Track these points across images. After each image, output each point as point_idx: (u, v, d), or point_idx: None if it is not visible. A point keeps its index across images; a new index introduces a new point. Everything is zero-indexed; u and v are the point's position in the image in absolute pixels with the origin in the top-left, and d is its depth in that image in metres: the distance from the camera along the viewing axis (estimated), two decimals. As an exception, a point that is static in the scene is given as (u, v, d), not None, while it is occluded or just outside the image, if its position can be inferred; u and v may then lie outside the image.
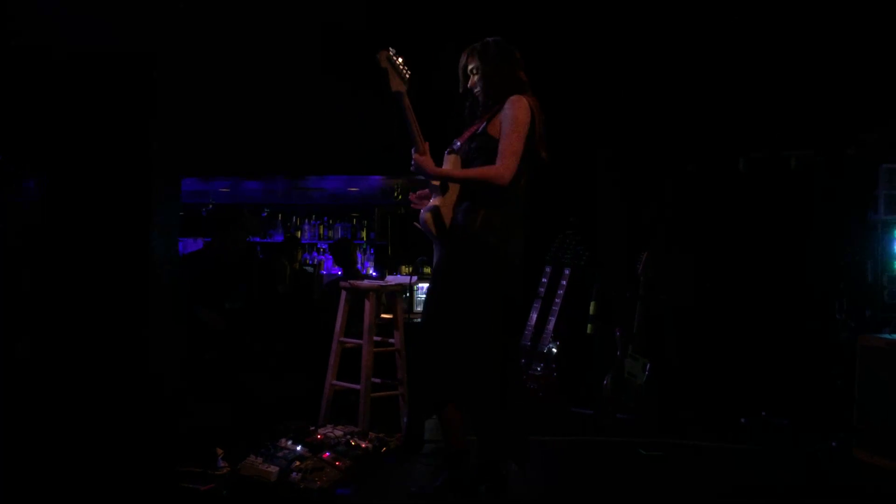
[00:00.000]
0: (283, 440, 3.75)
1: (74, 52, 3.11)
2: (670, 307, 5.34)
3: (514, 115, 3.02)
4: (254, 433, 3.96)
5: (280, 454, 3.59)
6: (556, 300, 5.20)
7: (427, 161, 3.09)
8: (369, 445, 3.90)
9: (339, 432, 4.03)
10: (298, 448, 3.68)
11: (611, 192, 5.76)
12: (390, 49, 3.00)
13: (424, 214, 3.15)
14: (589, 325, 5.32)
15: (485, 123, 3.12)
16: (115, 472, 3.13)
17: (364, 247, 7.84)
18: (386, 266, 7.31)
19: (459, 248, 3.12)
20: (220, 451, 3.58)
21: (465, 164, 3.15)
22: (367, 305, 4.37)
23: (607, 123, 5.69)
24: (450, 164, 3.17)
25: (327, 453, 3.67)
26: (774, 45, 5.17)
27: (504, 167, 2.98)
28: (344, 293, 4.56)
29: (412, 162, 3.11)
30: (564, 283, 5.23)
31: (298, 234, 7.92)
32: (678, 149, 5.53)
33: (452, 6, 5.34)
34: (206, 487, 3.34)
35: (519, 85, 3.16)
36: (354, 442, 3.88)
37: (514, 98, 3.07)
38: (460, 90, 3.28)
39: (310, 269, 7.08)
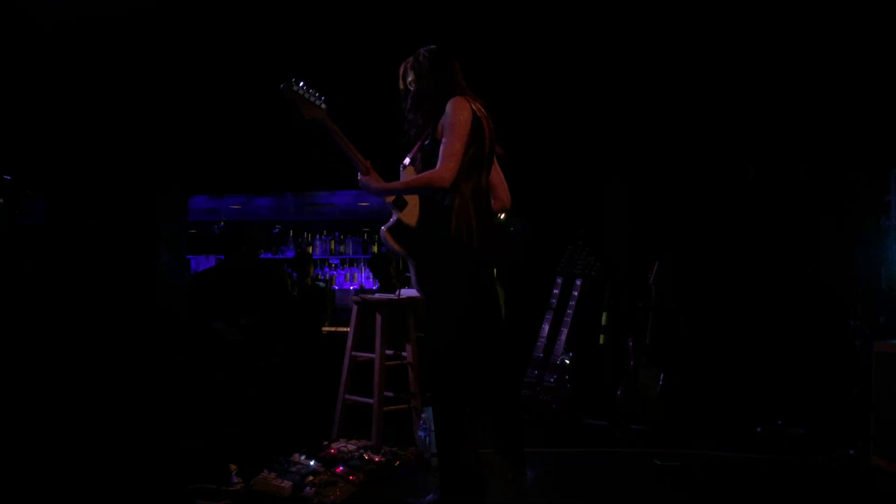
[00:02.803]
0: (297, 455, 3.75)
1: (84, 75, 3.15)
2: (682, 316, 5.32)
3: (453, 115, 3.04)
4: (267, 448, 3.96)
5: (293, 469, 3.59)
6: (568, 311, 5.19)
7: (371, 179, 3.16)
8: (383, 459, 3.89)
9: (352, 446, 4.03)
10: (312, 463, 3.68)
11: (620, 201, 5.76)
12: (293, 80, 3.02)
13: (384, 232, 3.21)
14: (601, 336, 5.30)
15: (430, 131, 3.15)
16: (127, 488, 3.14)
17: (374, 261, 7.85)
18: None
19: (422, 251, 3.17)
20: (233, 466, 3.59)
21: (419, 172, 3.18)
22: (379, 318, 4.37)
23: (617, 134, 5.69)
24: (407, 176, 3.22)
25: (341, 468, 3.67)
26: (783, 52, 5.16)
27: (444, 169, 2.99)
28: (355, 307, 4.57)
29: (359, 181, 3.17)
30: (576, 293, 5.22)
31: (310, 249, 7.95)
32: (687, 157, 5.52)
33: (454, 24, 5.36)
34: None
35: (455, 90, 3.16)
36: (368, 456, 3.88)
37: (452, 100, 3.08)
38: (404, 105, 3.28)
39: (322, 283, 7.09)
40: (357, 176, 3.19)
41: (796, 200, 5.23)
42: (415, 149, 3.24)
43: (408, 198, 3.24)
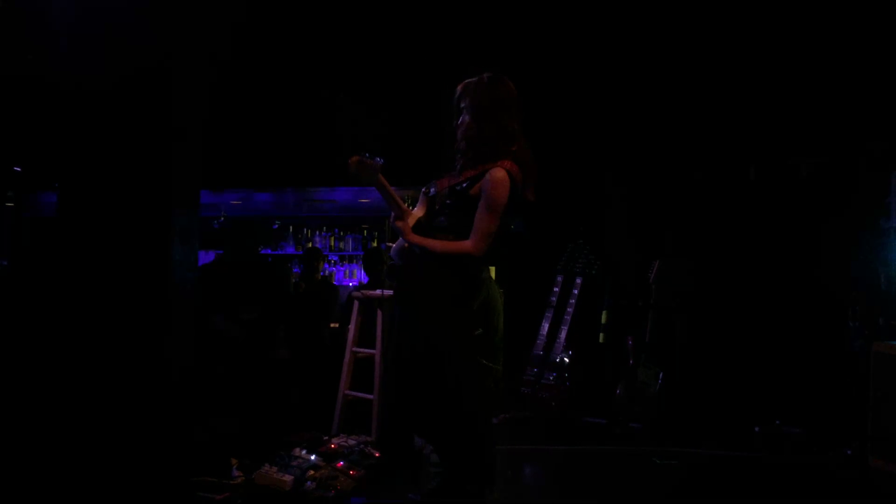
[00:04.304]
0: (298, 449, 3.76)
1: (98, 72, 3.15)
2: (682, 316, 5.34)
3: (494, 195, 2.94)
4: (268, 443, 3.97)
5: (294, 463, 3.60)
6: (568, 309, 5.20)
7: (406, 226, 3.09)
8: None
9: (352, 441, 4.05)
10: (313, 457, 3.69)
11: (621, 200, 5.77)
12: (365, 154, 2.95)
13: (397, 247, 3.18)
14: (601, 335, 5.31)
15: (466, 183, 3.03)
16: (131, 480, 3.15)
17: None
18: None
19: (411, 275, 3.11)
20: (234, 460, 3.60)
21: (438, 213, 3.11)
22: (380, 315, 4.38)
23: (617, 132, 5.70)
24: (423, 206, 3.16)
25: (341, 462, 3.68)
26: (785, 53, 5.18)
27: (477, 247, 2.95)
28: (356, 303, 4.58)
29: (391, 224, 3.12)
30: (576, 292, 5.24)
31: (309, 245, 7.95)
32: (688, 157, 5.53)
33: (454, 26, 5.36)
34: (221, 497, 3.35)
35: (505, 139, 3.02)
36: (368, 451, 3.89)
37: (495, 173, 2.94)
38: (454, 123, 3.14)
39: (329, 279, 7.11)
40: (391, 218, 3.13)
41: (797, 201, 5.25)
42: (444, 185, 3.12)
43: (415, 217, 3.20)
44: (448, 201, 3.07)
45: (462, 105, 3.09)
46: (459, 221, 3.01)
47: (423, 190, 3.19)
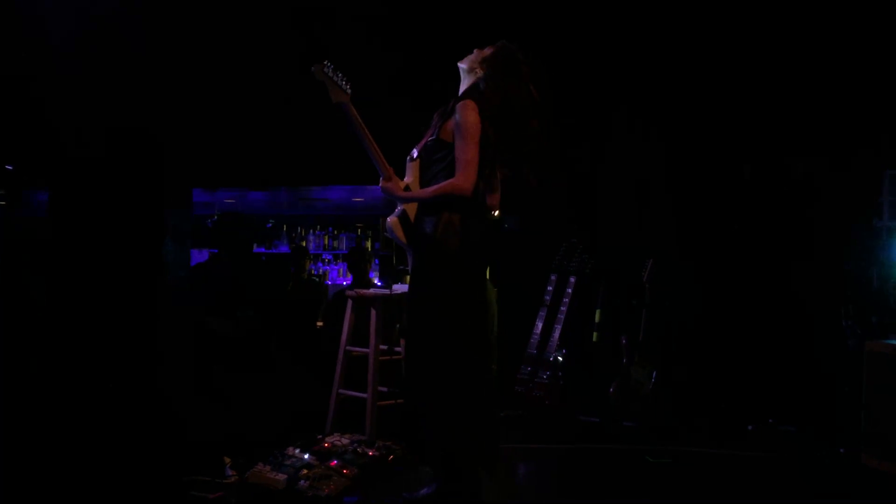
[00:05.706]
0: (291, 448, 3.75)
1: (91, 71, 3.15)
2: (675, 315, 5.34)
3: (462, 119, 3.03)
4: (262, 442, 3.96)
5: (288, 462, 3.60)
6: (562, 308, 5.20)
7: (394, 186, 3.17)
8: (376, 453, 3.89)
9: (346, 440, 4.04)
10: (306, 456, 3.68)
11: (614, 198, 5.77)
12: (326, 63, 3.03)
13: (391, 220, 3.24)
14: (595, 333, 5.31)
15: (437, 130, 3.16)
16: (124, 478, 3.14)
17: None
18: (391, 276, 7.32)
19: (422, 254, 3.17)
20: (227, 459, 3.59)
21: (424, 170, 3.20)
22: (373, 314, 4.37)
23: (612, 131, 5.70)
24: (411, 172, 3.23)
25: (335, 461, 3.67)
26: (779, 52, 5.18)
27: (464, 179, 3.02)
28: (350, 302, 4.57)
29: (380, 188, 3.18)
30: (570, 290, 5.24)
31: (304, 244, 7.94)
32: (682, 155, 5.53)
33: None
34: (215, 496, 3.34)
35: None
36: (361, 450, 3.88)
37: (462, 104, 3.07)
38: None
39: (317, 279, 7.09)
40: (379, 182, 3.19)
41: (790, 200, 5.26)
42: (421, 144, 3.25)
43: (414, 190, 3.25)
44: (430, 152, 3.15)
45: (474, 63, 3.22)
46: (444, 170, 3.08)
47: (408, 158, 3.26)
